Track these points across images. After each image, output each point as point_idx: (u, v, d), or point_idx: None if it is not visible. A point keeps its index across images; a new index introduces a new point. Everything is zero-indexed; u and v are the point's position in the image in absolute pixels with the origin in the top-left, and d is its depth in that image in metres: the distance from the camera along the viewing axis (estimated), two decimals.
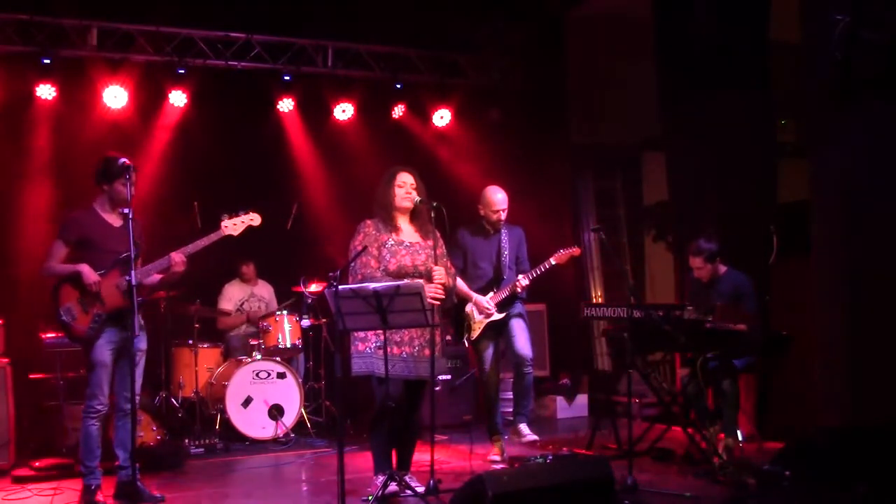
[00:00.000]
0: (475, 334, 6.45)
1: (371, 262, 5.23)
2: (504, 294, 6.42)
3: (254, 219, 5.39)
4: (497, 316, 6.42)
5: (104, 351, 5.25)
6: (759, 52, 7.35)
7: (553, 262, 6.37)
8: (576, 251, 6.39)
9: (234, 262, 8.34)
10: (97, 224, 5.30)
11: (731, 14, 7.33)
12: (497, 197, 6.46)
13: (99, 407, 5.27)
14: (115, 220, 5.34)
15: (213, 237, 5.31)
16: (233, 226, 5.34)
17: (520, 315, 6.51)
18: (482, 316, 6.42)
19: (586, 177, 9.30)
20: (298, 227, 8.19)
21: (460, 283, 6.22)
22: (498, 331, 6.49)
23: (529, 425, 6.66)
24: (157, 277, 5.43)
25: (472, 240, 6.53)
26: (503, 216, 6.47)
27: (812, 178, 6.52)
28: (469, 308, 6.46)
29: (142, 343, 5.35)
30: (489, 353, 6.48)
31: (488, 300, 6.41)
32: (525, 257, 6.61)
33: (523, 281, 6.35)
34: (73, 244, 5.26)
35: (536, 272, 6.41)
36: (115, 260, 5.21)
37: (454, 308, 6.40)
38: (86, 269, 5.17)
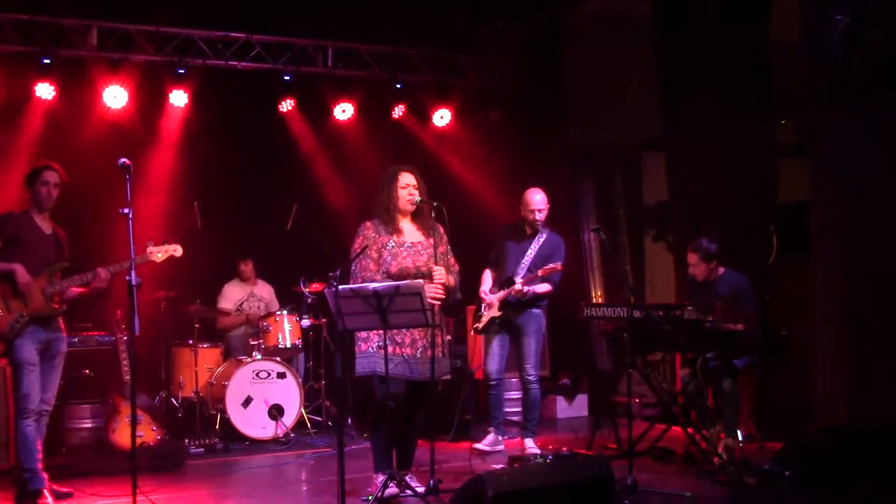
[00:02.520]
0: (480, 326, 6.70)
1: (370, 265, 5.23)
2: (505, 294, 6.53)
3: (176, 249, 5.52)
4: (495, 313, 6.57)
5: (29, 350, 5.28)
6: (759, 52, 7.35)
7: (539, 275, 6.46)
8: (557, 266, 6.45)
9: (232, 260, 8.35)
10: (29, 227, 5.38)
11: (730, 14, 7.32)
12: (535, 198, 6.64)
13: (32, 406, 5.28)
14: (45, 227, 5.44)
15: (136, 259, 5.35)
16: (157, 253, 5.45)
17: (536, 331, 6.63)
18: (486, 309, 6.65)
19: (586, 177, 9.28)
20: (298, 227, 8.17)
21: (485, 276, 6.75)
22: (506, 329, 6.65)
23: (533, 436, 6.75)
24: (77, 290, 5.47)
25: (508, 238, 6.76)
26: (539, 216, 6.62)
27: (812, 178, 6.53)
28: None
29: (63, 346, 5.50)
30: (492, 346, 6.68)
31: (487, 292, 6.65)
32: None
33: (516, 286, 6.46)
34: (3, 240, 5.30)
35: (525, 278, 6.48)
36: (44, 265, 5.32)
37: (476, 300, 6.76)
38: (20, 269, 5.23)
